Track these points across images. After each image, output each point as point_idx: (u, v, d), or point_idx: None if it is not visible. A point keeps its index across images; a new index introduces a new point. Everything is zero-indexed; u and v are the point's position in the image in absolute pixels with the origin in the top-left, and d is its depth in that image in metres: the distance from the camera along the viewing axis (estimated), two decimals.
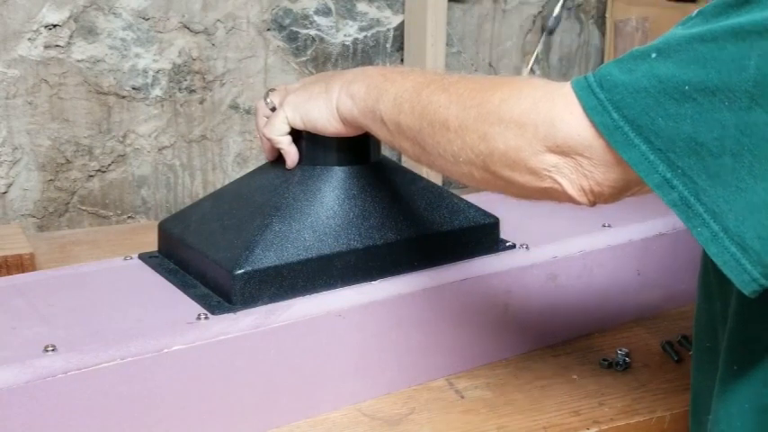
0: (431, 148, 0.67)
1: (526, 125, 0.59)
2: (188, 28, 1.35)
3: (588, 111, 0.57)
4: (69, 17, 1.27)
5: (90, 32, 1.29)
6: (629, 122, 0.55)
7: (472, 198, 0.94)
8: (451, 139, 0.64)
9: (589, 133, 0.57)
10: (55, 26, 1.27)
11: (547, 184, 0.60)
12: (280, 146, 0.84)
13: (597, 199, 0.60)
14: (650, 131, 0.55)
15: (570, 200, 0.61)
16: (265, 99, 0.85)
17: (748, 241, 0.53)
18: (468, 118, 0.63)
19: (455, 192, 0.95)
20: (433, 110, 0.66)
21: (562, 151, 0.58)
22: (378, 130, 0.74)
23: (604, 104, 0.56)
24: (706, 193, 0.54)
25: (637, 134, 0.55)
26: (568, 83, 0.59)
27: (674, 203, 0.55)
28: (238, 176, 0.96)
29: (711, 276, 0.70)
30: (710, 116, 0.53)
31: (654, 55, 0.56)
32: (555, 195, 0.61)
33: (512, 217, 0.96)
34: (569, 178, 0.59)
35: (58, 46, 1.28)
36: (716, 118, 0.53)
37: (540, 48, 1.56)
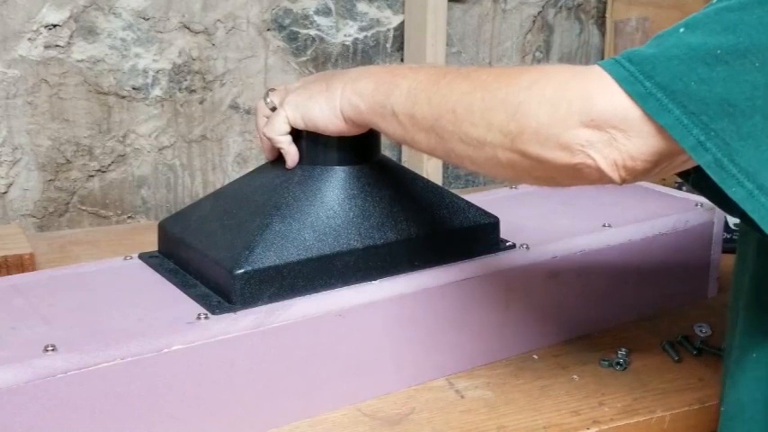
0: (450, 135, 0.67)
1: (560, 101, 0.60)
2: (188, 28, 1.35)
3: (621, 82, 0.58)
4: (69, 17, 1.28)
5: (90, 32, 1.29)
6: (661, 89, 0.56)
7: (472, 198, 0.94)
8: (476, 122, 0.64)
9: (625, 104, 0.58)
10: (55, 26, 1.27)
11: (579, 159, 0.60)
12: (280, 145, 0.84)
13: (629, 175, 0.61)
14: (684, 95, 0.56)
15: (601, 177, 0.61)
16: (265, 99, 0.85)
17: None
18: (496, 99, 0.63)
19: (455, 192, 0.94)
20: (456, 97, 0.66)
21: (597, 125, 0.59)
22: (387, 126, 0.74)
23: (635, 75, 0.57)
24: (739, 153, 0.55)
25: (670, 99, 0.56)
26: (594, 65, 0.60)
27: (708, 165, 0.56)
28: (238, 176, 0.96)
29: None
30: (742, 78, 0.54)
31: (682, 30, 0.57)
32: (585, 172, 0.61)
33: (512, 217, 0.96)
34: (603, 153, 0.59)
35: (57, 46, 1.28)
36: (747, 79, 0.54)
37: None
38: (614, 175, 0.60)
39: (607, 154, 0.59)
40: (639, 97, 0.57)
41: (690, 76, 0.56)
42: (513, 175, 0.66)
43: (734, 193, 0.56)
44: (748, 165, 0.55)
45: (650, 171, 0.61)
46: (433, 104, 0.68)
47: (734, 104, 0.55)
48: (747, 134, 0.55)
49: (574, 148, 0.60)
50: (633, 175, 0.61)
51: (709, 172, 0.56)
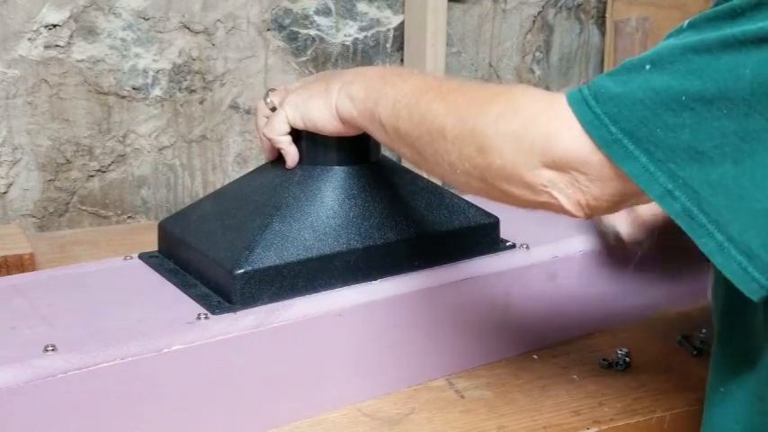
0: (429, 155, 0.67)
1: (523, 139, 0.59)
2: (188, 28, 1.35)
3: (585, 125, 0.57)
4: (69, 17, 1.28)
5: (90, 32, 1.29)
6: (627, 135, 0.55)
7: (472, 198, 0.94)
8: (449, 150, 0.64)
9: (586, 148, 0.57)
10: (55, 26, 1.27)
11: (543, 198, 0.60)
12: (280, 146, 0.84)
13: (593, 212, 0.60)
14: (649, 143, 0.55)
15: (566, 213, 0.61)
16: (265, 99, 0.85)
17: (754, 249, 0.53)
18: (465, 130, 0.62)
19: (455, 192, 0.94)
20: (431, 119, 0.66)
21: (558, 166, 0.58)
22: (376, 133, 0.74)
23: (601, 118, 0.56)
24: (708, 202, 0.53)
25: (636, 146, 0.55)
26: (563, 96, 0.59)
27: (677, 214, 0.55)
28: (238, 176, 0.96)
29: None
30: (709, 125, 0.53)
31: (648, 67, 0.56)
32: (551, 209, 0.61)
33: (512, 217, 0.95)
34: (565, 193, 0.59)
35: (58, 46, 1.28)
36: (715, 126, 0.53)
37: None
38: (579, 213, 0.60)
39: (570, 194, 0.59)
40: (604, 143, 0.56)
41: (655, 122, 0.54)
42: (488, 199, 0.66)
43: (703, 244, 0.54)
44: (718, 215, 0.53)
45: (616, 208, 0.60)
46: (413, 122, 0.68)
47: (701, 152, 0.53)
48: (717, 182, 0.53)
49: (537, 187, 0.60)
50: (599, 212, 0.61)
51: (677, 221, 0.55)
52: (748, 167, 0.52)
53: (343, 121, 0.78)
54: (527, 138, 0.59)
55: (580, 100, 0.57)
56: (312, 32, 1.45)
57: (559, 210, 0.61)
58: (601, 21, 1.69)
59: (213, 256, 0.79)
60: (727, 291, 0.65)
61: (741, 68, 0.52)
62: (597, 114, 0.56)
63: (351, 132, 0.79)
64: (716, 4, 0.56)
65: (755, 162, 0.52)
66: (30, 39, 1.26)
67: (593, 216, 0.61)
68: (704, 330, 0.96)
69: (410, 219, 0.85)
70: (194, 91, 1.38)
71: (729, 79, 0.52)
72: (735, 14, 0.54)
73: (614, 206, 0.60)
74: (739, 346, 0.65)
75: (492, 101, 0.62)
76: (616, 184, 0.58)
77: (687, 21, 0.57)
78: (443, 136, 0.64)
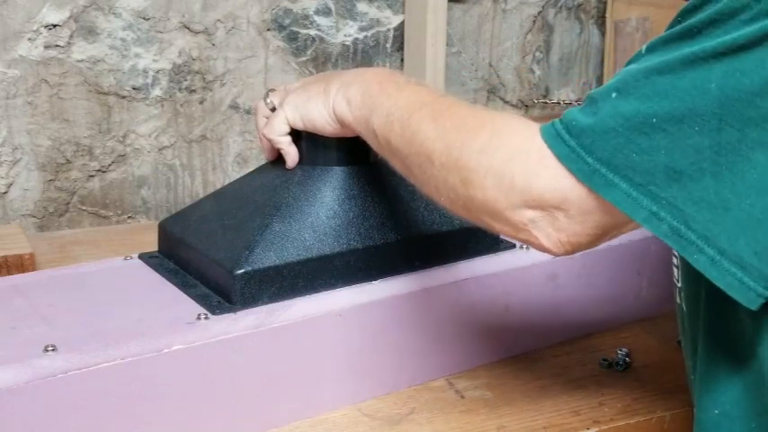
0: (417, 174, 0.68)
1: (504, 176, 0.59)
2: (188, 28, 1.35)
3: (563, 159, 0.57)
4: (69, 17, 1.28)
5: (90, 32, 1.29)
6: (604, 164, 0.55)
7: None
8: (435, 175, 0.64)
9: (565, 184, 0.57)
10: (55, 26, 1.27)
11: (523, 236, 0.61)
12: (280, 146, 0.84)
13: (575, 248, 0.60)
14: (628, 168, 0.55)
15: (546, 251, 0.61)
16: (265, 99, 0.85)
17: (746, 258, 0.53)
18: (451, 158, 0.63)
19: None
20: (421, 140, 0.66)
21: (538, 205, 0.59)
22: (370, 141, 0.74)
23: (576, 151, 0.56)
24: (694, 219, 0.54)
25: (615, 174, 0.55)
26: (539, 132, 0.59)
27: (666, 235, 0.55)
28: (238, 176, 0.96)
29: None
30: (683, 143, 0.53)
31: (614, 95, 0.56)
32: (532, 245, 0.62)
33: None
34: (545, 232, 0.59)
35: (58, 46, 1.28)
36: (689, 144, 0.53)
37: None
38: (559, 250, 0.60)
39: (550, 233, 0.59)
40: (583, 175, 0.56)
41: (630, 148, 0.55)
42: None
43: (696, 260, 0.54)
44: (706, 230, 0.54)
45: (596, 242, 0.61)
46: (404, 139, 0.68)
47: (680, 171, 0.54)
48: (699, 198, 0.54)
49: (518, 225, 0.60)
50: (579, 248, 0.61)
51: (667, 242, 0.55)
52: (728, 179, 0.53)
53: (341, 122, 0.78)
54: (507, 174, 0.59)
55: (554, 135, 0.58)
56: (312, 32, 1.45)
57: (539, 248, 0.61)
58: (601, 21, 1.69)
59: (213, 256, 0.80)
60: (709, 305, 0.65)
61: (706, 84, 0.53)
62: (572, 147, 0.56)
63: (348, 133, 0.79)
64: (670, 27, 0.57)
65: (734, 173, 0.53)
66: (30, 39, 1.26)
67: (572, 253, 0.61)
68: None
69: (410, 219, 0.85)
70: (194, 91, 1.38)
71: (696, 96, 0.53)
72: (692, 33, 0.54)
73: (595, 241, 0.60)
74: (726, 357, 0.65)
75: (477, 130, 0.62)
76: (598, 216, 0.58)
77: (645, 46, 0.58)
78: (431, 161, 0.64)
